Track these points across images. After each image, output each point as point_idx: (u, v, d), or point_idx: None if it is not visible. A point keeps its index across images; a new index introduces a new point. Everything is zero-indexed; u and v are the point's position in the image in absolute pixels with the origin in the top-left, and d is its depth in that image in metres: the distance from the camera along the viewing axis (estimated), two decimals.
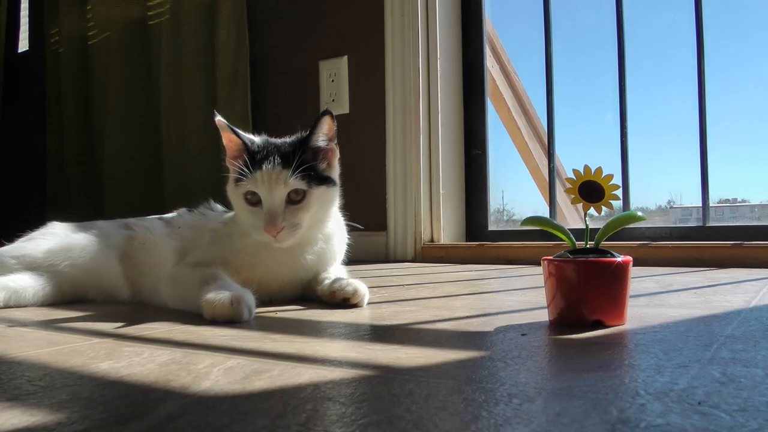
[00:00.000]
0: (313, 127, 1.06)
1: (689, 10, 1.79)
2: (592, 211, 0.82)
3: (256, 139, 1.09)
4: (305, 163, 1.03)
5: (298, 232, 1.03)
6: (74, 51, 2.91)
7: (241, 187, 1.04)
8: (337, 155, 1.12)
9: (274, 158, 1.02)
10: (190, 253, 1.12)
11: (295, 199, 1.03)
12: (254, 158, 1.04)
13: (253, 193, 1.03)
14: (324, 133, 1.07)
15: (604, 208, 0.83)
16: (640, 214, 0.83)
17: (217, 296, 0.90)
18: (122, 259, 1.19)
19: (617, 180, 0.82)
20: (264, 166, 1.02)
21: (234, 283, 0.98)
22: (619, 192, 0.82)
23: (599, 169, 0.82)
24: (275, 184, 1.01)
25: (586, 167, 0.82)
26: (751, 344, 0.66)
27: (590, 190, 0.82)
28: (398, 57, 2.11)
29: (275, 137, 1.13)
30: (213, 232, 1.14)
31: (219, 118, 1.06)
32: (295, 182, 1.02)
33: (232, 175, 1.07)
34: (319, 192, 1.05)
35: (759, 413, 0.44)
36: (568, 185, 0.83)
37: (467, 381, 0.55)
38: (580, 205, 0.83)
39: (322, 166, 1.08)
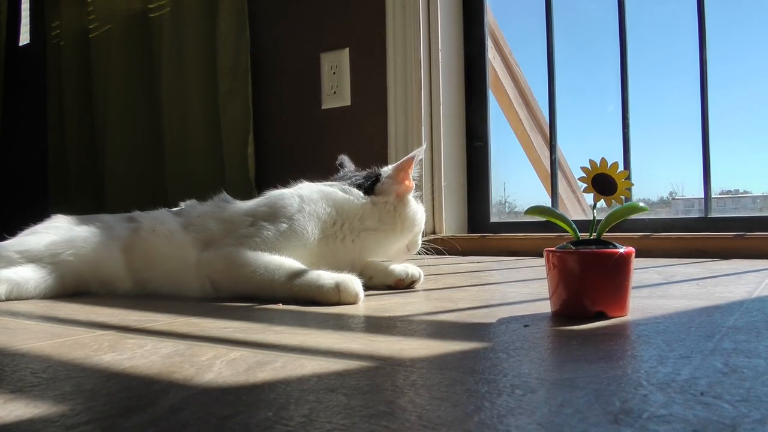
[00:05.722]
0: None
1: (691, 1, 1.78)
2: (602, 203, 0.82)
3: None
4: None
5: None
6: (75, 44, 2.90)
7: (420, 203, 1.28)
8: None
9: None
10: (220, 239, 1.12)
11: None
12: None
13: None
14: None
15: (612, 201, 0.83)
16: (642, 204, 0.83)
17: (333, 281, 0.99)
18: (126, 251, 1.19)
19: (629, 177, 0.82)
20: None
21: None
22: (631, 189, 0.82)
23: (615, 164, 0.82)
24: None
25: (603, 159, 0.82)
26: (754, 335, 0.66)
27: (603, 183, 0.82)
28: (399, 49, 2.11)
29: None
30: (255, 218, 1.14)
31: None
32: None
33: (411, 191, 1.27)
34: None
35: (761, 403, 0.44)
36: (582, 174, 0.83)
37: (470, 372, 0.55)
38: (587, 196, 0.83)
39: None
